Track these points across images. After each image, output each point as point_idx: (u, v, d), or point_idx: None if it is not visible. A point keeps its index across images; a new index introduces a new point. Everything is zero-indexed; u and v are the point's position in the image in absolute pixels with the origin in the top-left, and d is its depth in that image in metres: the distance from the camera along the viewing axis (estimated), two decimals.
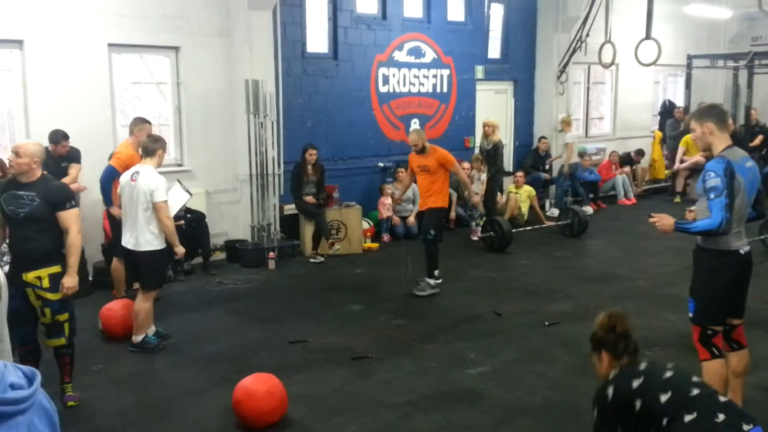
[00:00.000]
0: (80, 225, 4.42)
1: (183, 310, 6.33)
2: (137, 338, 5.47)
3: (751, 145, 11.96)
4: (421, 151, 6.93)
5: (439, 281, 7.06)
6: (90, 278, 7.20)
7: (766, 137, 12.16)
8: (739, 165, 3.69)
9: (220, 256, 8.39)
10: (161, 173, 5.49)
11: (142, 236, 5.31)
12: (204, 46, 8.25)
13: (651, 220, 3.92)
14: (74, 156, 6.97)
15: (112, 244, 6.49)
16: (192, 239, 7.41)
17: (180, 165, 8.31)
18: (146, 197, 5.26)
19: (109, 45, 7.57)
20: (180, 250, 5.55)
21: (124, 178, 5.49)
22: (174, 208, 6.03)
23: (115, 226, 6.27)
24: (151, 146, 5.47)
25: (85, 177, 7.06)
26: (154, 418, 4.37)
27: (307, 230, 8.64)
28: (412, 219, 9.29)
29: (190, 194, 6.87)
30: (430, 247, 7.00)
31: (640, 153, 13.33)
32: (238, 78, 8.38)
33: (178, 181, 6.89)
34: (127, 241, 5.41)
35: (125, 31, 7.59)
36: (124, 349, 5.49)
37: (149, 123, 6.62)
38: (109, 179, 6.23)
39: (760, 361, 4.98)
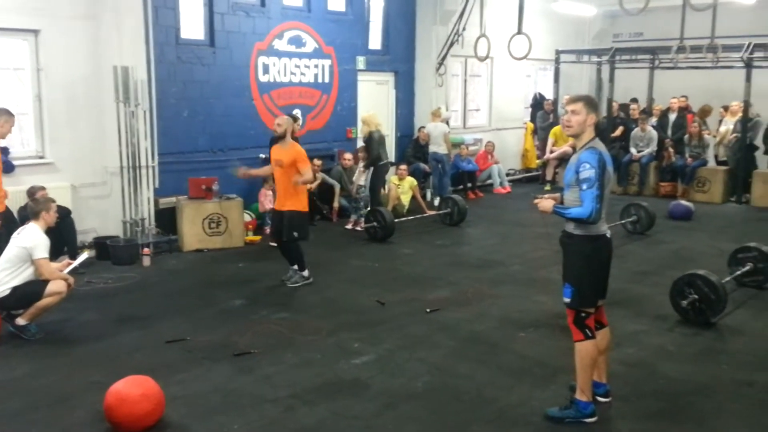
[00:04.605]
0: None
1: (48, 312, 5.89)
2: (22, 321, 5.42)
3: (613, 135, 12.83)
4: (281, 138, 6.77)
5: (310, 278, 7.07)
6: None
7: (626, 128, 13.06)
8: (607, 156, 3.93)
9: (89, 253, 7.90)
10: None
11: (5, 285, 5.42)
12: (67, 29, 7.72)
13: (534, 201, 4.12)
14: None
15: None
16: (57, 237, 6.91)
17: (41, 157, 7.76)
18: (23, 252, 5.38)
19: None
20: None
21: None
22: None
23: None
24: (34, 209, 5.62)
25: None
26: (17, 428, 4.05)
27: (186, 224, 8.33)
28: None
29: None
30: (295, 247, 6.93)
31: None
32: (105, 64, 7.92)
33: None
34: None
35: None
36: None
37: (13, 116, 6.37)
38: None
39: (622, 338, 5.36)
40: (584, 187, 3.82)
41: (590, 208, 3.80)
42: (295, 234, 6.80)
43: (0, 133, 6.28)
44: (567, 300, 4.04)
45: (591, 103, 4.00)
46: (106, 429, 4.01)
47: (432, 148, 11.53)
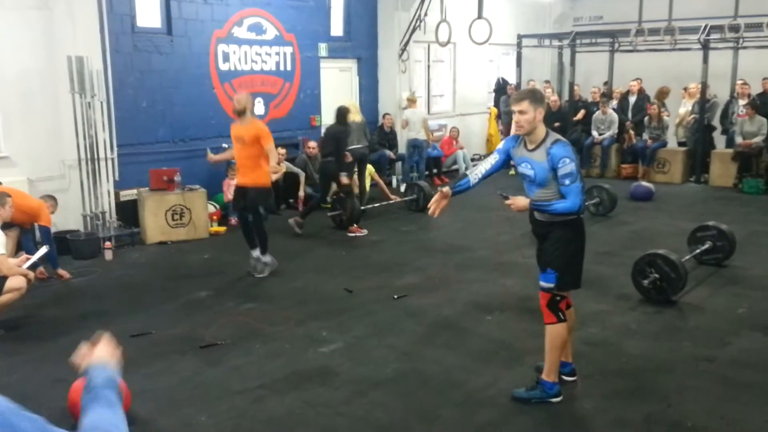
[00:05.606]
0: None
1: (8, 309, 5.75)
2: None
3: (575, 119, 12.97)
4: (241, 114, 6.64)
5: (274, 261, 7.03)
6: None
7: (588, 111, 13.21)
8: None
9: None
10: None
11: None
12: (19, 19, 7.50)
13: (506, 202, 4.07)
14: None
15: None
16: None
17: None
18: None
19: None
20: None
21: None
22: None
23: None
24: None
25: None
26: None
27: (148, 217, 8.18)
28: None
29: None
30: (260, 225, 6.93)
31: None
32: (59, 55, 7.71)
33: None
34: None
35: None
36: None
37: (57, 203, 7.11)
38: None
39: (586, 318, 5.44)
40: (567, 182, 3.83)
41: (579, 201, 3.84)
42: (261, 209, 6.85)
43: (48, 212, 6.69)
44: (550, 285, 4.03)
45: (535, 98, 3.95)
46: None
47: (411, 135, 11.64)
